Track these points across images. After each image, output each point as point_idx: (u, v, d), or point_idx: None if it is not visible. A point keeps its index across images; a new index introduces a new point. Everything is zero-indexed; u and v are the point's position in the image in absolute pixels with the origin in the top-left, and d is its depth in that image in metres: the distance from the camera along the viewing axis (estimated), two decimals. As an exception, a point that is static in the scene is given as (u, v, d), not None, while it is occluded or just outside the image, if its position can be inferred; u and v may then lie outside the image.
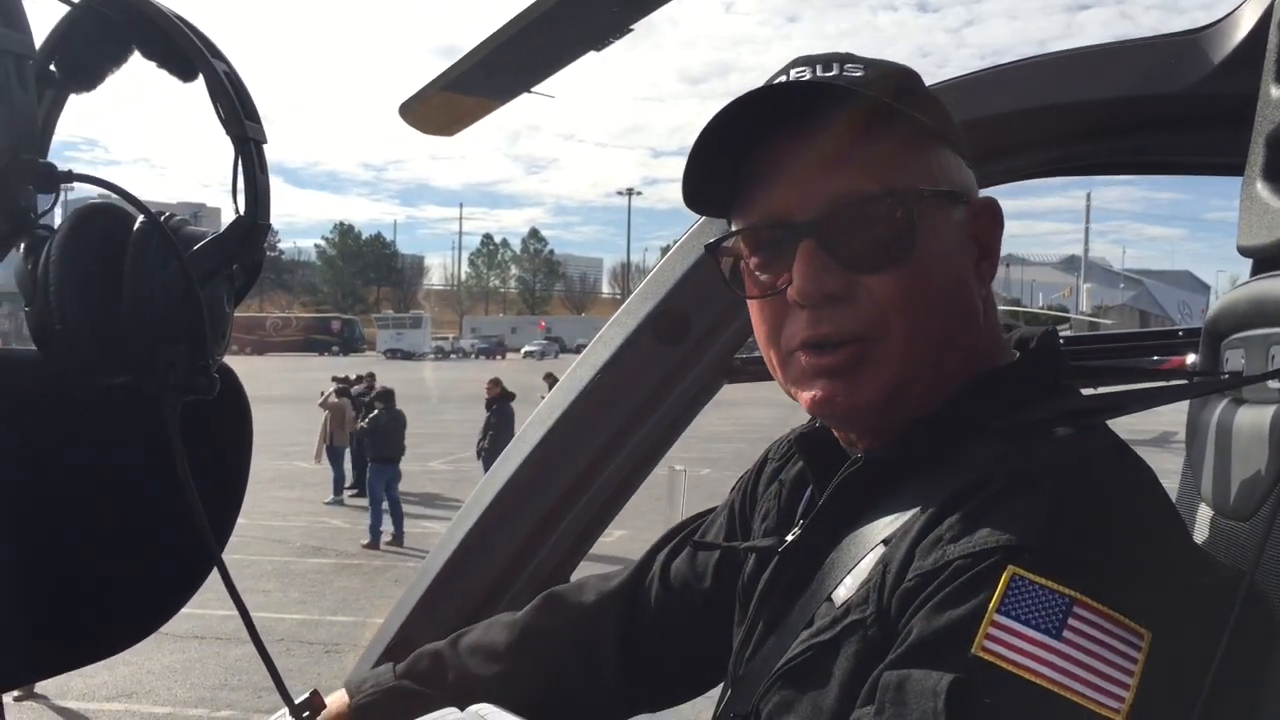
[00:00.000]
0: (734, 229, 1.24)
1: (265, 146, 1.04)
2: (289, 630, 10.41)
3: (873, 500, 1.18)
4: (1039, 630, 0.93)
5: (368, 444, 15.62)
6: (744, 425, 24.86)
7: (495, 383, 16.61)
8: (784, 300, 1.18)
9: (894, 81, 1.19)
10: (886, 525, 1.13)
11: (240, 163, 1.01)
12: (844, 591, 1.13)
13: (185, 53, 1.00)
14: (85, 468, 1.06)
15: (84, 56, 1.03)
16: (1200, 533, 1.29)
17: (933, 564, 1.00)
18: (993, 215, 1.23)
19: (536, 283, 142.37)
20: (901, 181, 1.15)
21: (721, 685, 1.38)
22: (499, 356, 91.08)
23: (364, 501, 15.94)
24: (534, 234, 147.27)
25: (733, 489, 1.59)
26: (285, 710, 1.45)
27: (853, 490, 1.20)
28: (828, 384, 1.17)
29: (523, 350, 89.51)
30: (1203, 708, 0.93)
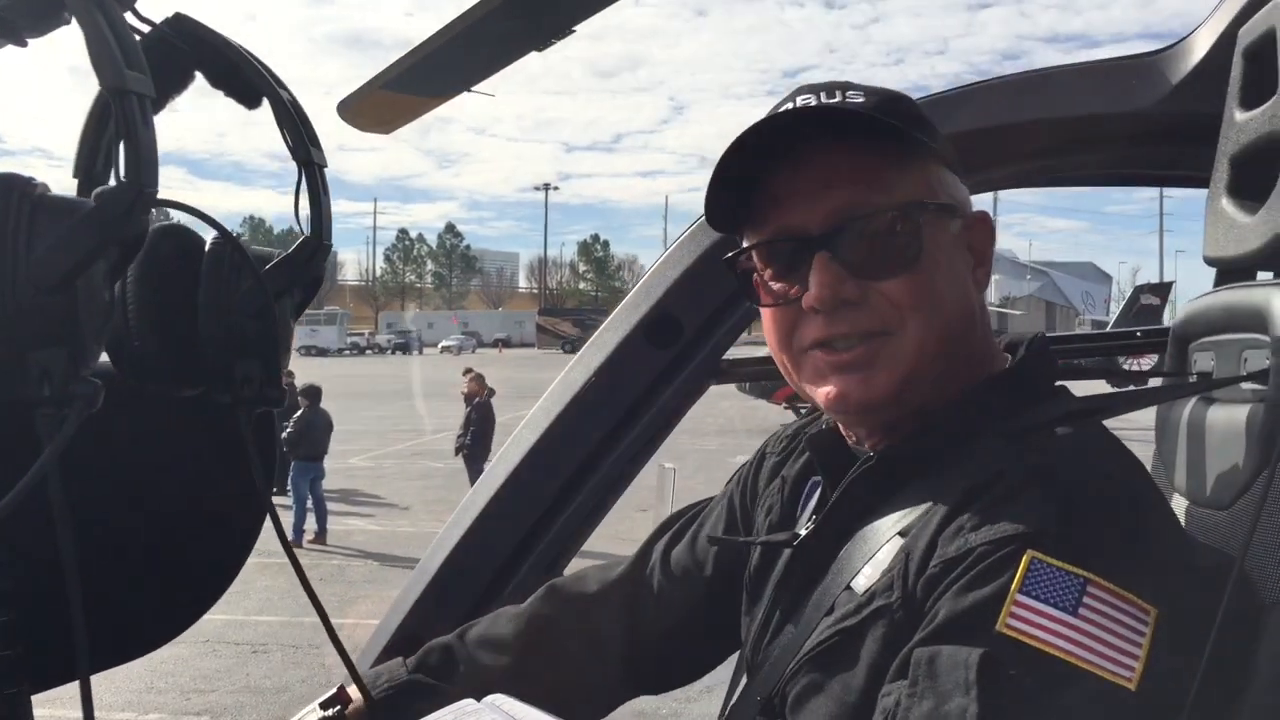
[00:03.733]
0: (748, 244, 1.33)
1: (326, 169, 1.10)
2: (214, 631, 10.25)
3: (883, 496, 1.27)
4: (1057, 608, 1.03)
5: (291, 442, 15.36)
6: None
7: (477, 379, 16.06)
8: (797, 307, 1.28)
9: (894, 106, 1.29)
10: (900, 518, 1.22)
11: (306, 186, 1.07)
12: (864, 580, 1.21)
13: (253, 82, 1.06)
14: (153, 473, 1.12)
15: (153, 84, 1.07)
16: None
17: (956, 551, 1.10)
18: (986, 227, 1.34)
19: (453, 278, 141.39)
20: (906, 196, 1.26)
21: (734, 671, 1.46)
22: (416, 352, 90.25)
23: (285, 500, 15.73)
24: (450, 229, 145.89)
25: (729, 482, 1.68)
26: (315, 705, 1.50)
27: (864, 487, 1.29)
28: (842, 380, 1.26)
29: (440, 345, 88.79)
30: (1202, 677, 1.03)
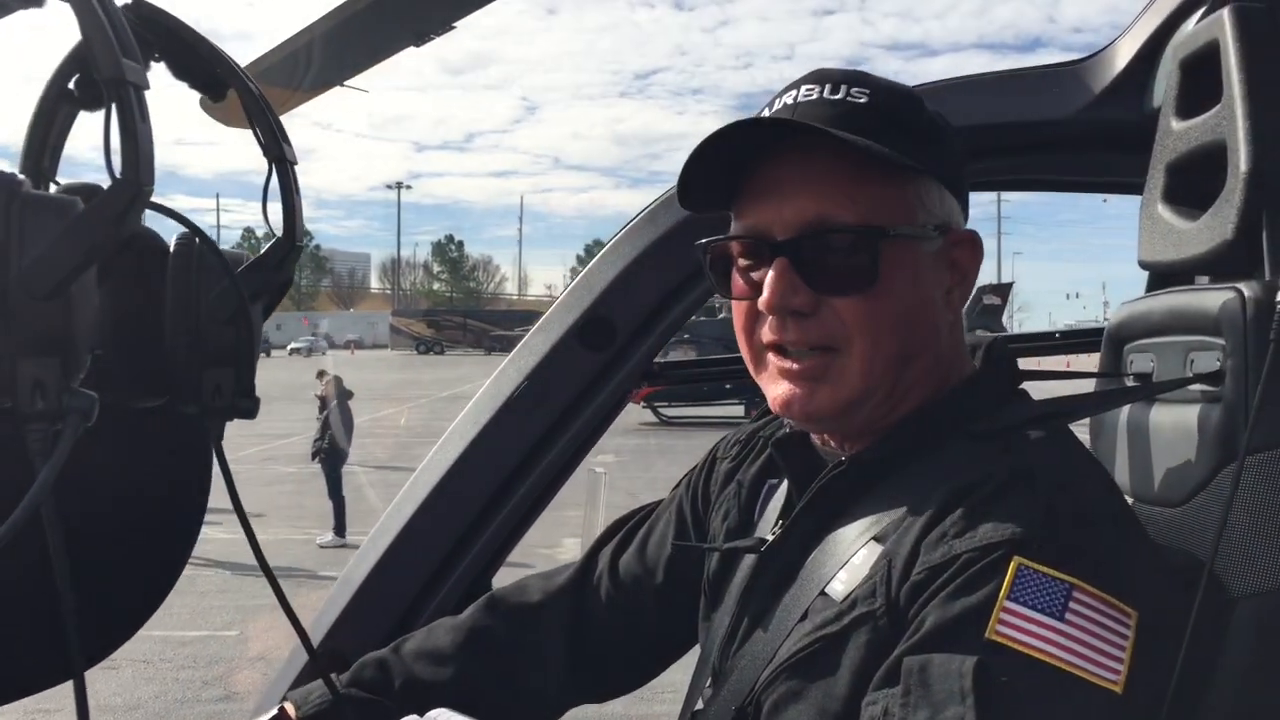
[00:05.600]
0: (725, 235, 1.32)
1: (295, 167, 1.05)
2: (60, 649, 9.77)
3: (852, 500, 1.27)
4: (1045, 614, 1.04)
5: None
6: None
7: (334, 381, 15.46)
8: (756, 305, 1.27)
9: (894, 111, 1.27)
10: (872, 523, 1.22)
11: (279, 184, 1.01)
12: (841, 586, 1.21)
13: (220, 74, 1.00)
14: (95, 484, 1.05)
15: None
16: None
17: (941, 557, 1.11)
18: (972, 245, 1.33)
19: (302, 278, 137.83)
20: (875, 217, 1.24)
21: (693, 677, 1.44)
22: (264, 354, 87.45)
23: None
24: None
25: (676, 487, 1.66)
26: None
27: (834, 491, 1.29)
28: (790, 388, 1.26)
29: (288, 347, 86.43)
30: (1179, 675, 1.06)
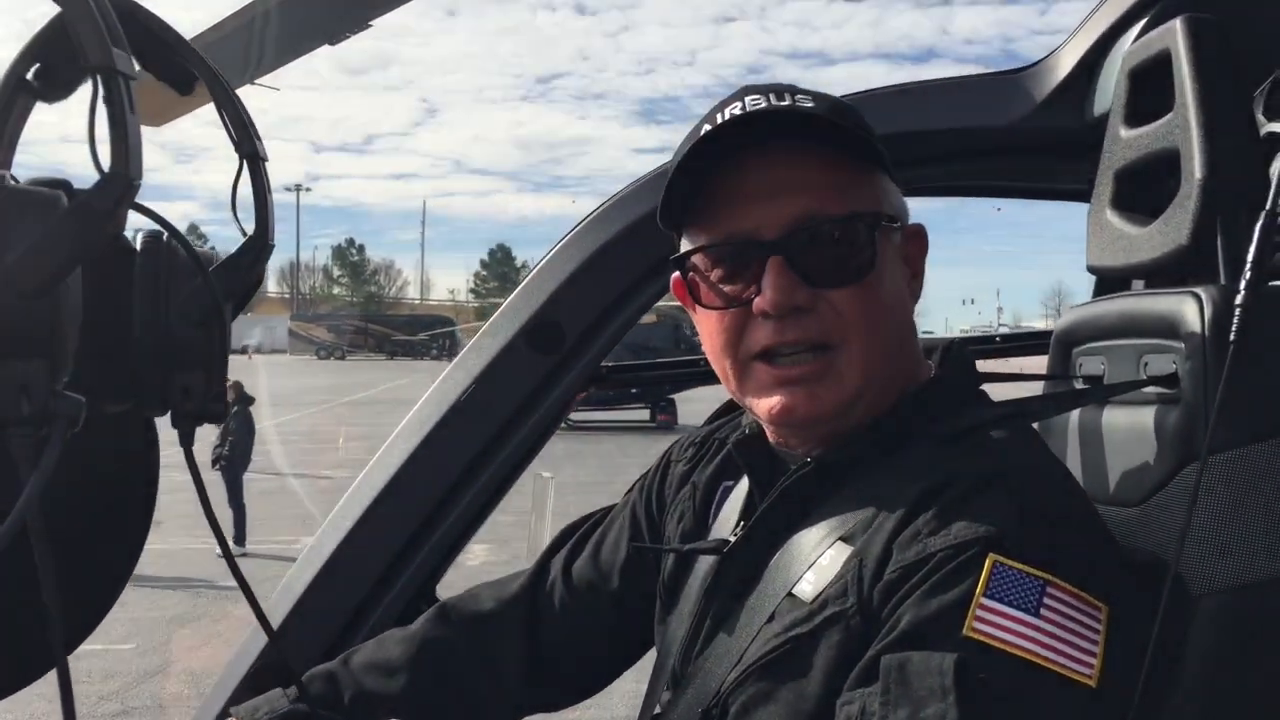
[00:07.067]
0: (697, 244, 1.30)
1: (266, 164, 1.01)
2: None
3: (816, 501, 1.27)
4: (1020, 610, 1.06)
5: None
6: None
7: (234, 386, 14.95)
8: (746, 311, 1.25)
9: (844, 114, 1.28)
10: (837, 524, 1.22)
11: (251, 182, 0.98)
12: (809, 587, 1.21)
13: (188, 66, 0.96)
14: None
15: (65, 66, 0.95)
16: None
17: (915, 556, 1.11)
18: (921, 240, 1.36)
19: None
20: (862, 205, 1.26)
21: (651, 681, 1.43)
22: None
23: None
24: (193, 230, 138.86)
25: (629, 491, 1.64)
26: None
27: (799, 492, 1.28)
28: (789, 393, 1.25)
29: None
30: (1147, 670, 1.08)
